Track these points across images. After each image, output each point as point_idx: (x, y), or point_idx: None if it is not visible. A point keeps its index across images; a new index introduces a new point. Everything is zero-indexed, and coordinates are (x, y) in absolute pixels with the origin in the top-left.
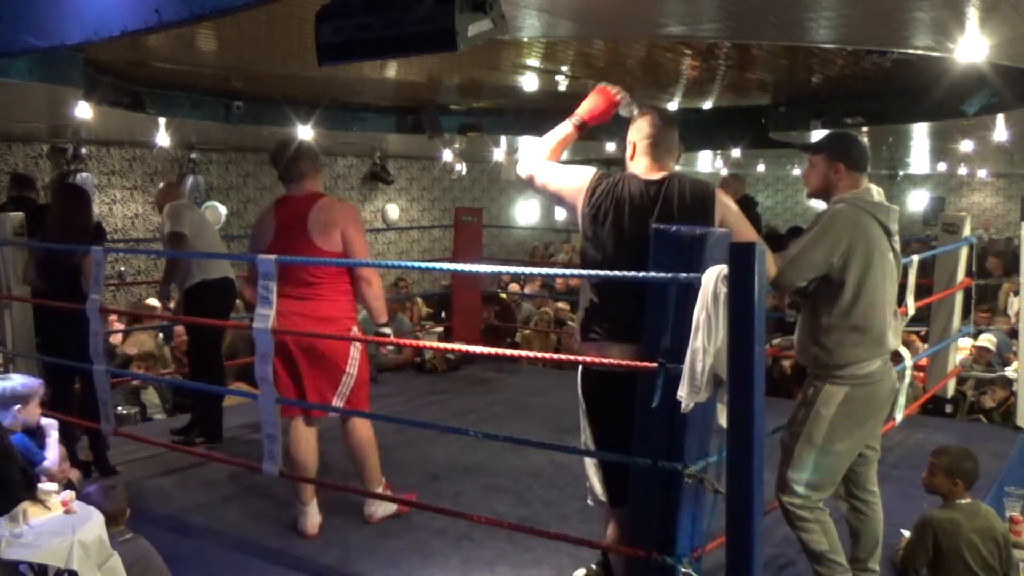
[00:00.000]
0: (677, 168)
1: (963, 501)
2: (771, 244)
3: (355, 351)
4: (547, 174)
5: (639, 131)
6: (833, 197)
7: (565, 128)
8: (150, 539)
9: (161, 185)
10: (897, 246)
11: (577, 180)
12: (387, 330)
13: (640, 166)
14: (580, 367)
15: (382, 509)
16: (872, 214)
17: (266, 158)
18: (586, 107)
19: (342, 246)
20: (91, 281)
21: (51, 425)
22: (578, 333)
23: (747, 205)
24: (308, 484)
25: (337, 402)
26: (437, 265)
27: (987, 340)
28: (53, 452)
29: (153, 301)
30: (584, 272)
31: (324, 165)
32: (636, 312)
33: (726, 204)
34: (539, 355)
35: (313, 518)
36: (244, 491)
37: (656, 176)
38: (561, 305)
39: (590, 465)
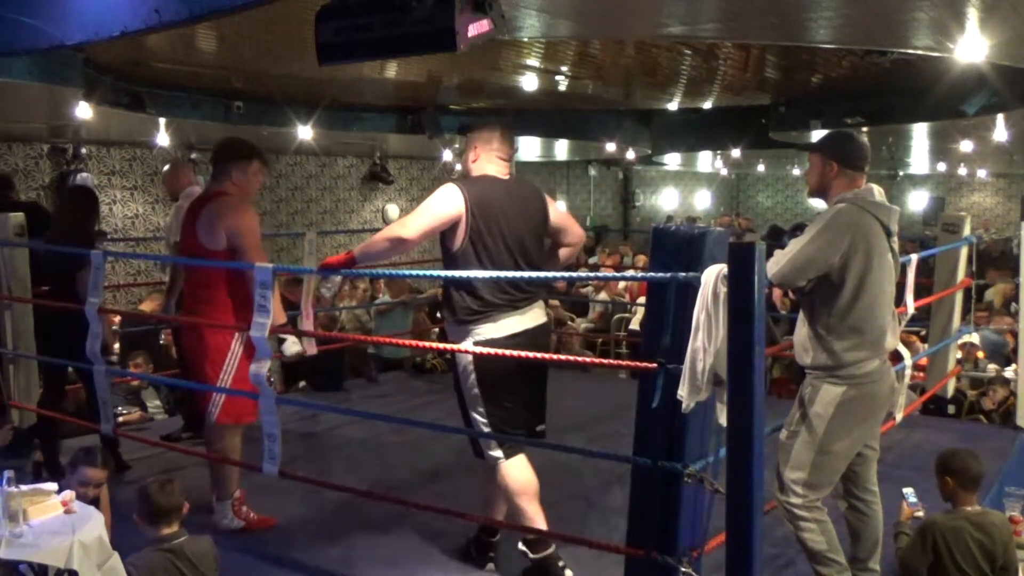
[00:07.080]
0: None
1: (970, 508)
2: (772, 240)
3: (232, 360)
4: (418, 222)
5: (485, 141)
6: (831, 196)
7: None
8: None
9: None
10: (896, 246)
11: (454, 202)
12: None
13: (491, 168)
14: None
15: (226, 521)
16: (873, 214)
17: (267, 159)
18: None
19: (227, 245)
20: (89, 284)
21: None
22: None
23: None
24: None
25: (212, 408)
26: (432, 273)
27: (969, 338)
28: None
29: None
30: (579, 275)
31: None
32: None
33: (549, 199)
34: (539, 355)
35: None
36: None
37: (507, 176)
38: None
39: None
